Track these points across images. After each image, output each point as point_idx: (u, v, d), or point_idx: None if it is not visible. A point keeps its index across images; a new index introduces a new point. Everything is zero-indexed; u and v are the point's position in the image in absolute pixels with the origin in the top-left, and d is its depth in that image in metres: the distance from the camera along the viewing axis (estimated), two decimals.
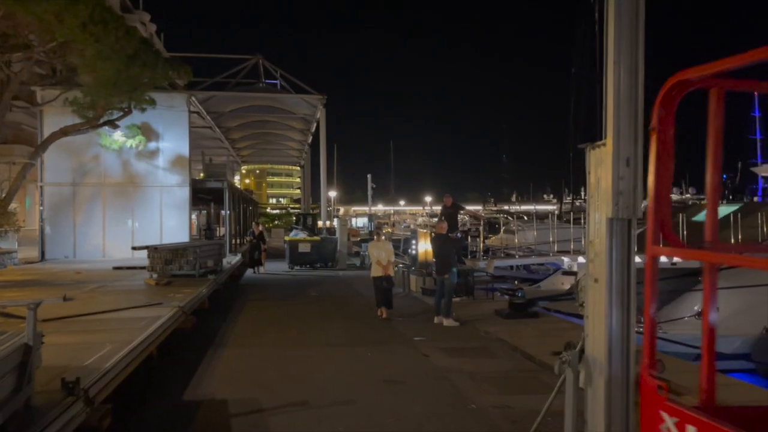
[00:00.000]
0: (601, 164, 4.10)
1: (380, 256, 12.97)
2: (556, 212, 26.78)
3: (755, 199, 41.95)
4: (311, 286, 18.95)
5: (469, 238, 18.76)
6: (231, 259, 21.30)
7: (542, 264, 21.15)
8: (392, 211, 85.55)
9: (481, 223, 21.32)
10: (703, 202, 32.32)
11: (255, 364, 8.65)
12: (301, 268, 24.69)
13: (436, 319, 12.06)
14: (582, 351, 4.20)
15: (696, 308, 16.00)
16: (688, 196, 71.85)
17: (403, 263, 19.87)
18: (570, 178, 40.07)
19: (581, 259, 17.65)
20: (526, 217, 49.05)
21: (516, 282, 19.59)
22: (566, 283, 19.13)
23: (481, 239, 18.59)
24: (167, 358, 8.60)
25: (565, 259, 17.46)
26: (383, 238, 14.42)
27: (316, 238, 25.96)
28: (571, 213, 24.24)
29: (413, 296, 16.08)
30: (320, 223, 30.72)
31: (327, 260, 25.34)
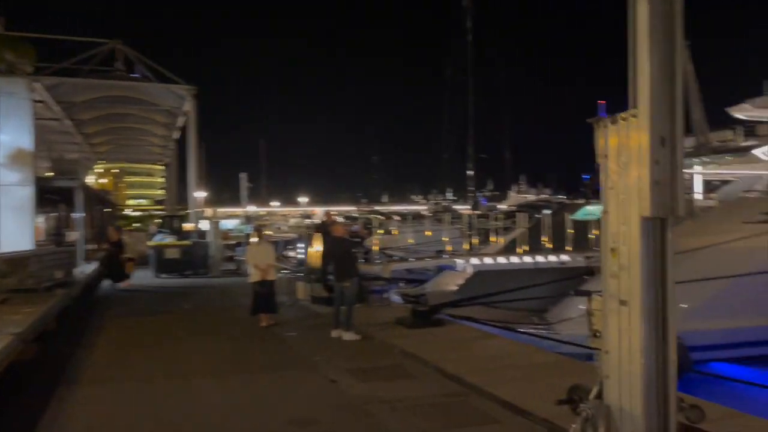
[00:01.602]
0: (628, 145, 3.04)
1: (258, 259, 12.02)
2: (448, 214, 26.48)
3: None
4: (183, 297, 16.84)
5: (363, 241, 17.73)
6: (85, 269, 18.59)
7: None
8: (265, 213, 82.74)
9: (374, 224, 20.37)
10: (578, 201, 33.78)
11: (121, 408, 6.83)
12: (170, 276, 22.28)
13: (333, 333, 10.73)
14: (599, 398, 3.12)
15: (582, 307, 16.10)
16: (545, 196, 76.27)
17: (287, 268, 18.39)
18: (442, 178, 40.41)
19: (474, 261, 17.19)
20: (398, 217, 49.19)
21: (401, 284, 18.84)
22: (451, 284, 18.66)
23: (374, 242, 17.60)
24: None
25: (459, 261, 16.88)
26: (263, 240, 13.39)
27: (187, 242, 23.68)
28: (474, 214, 24.01)
29: (302, 305, 14.63)
30: (188, 226, 28.24)
31: (199, 267, 23.15)
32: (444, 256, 17.97)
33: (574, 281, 16.24)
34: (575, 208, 24.37)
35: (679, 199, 2.97)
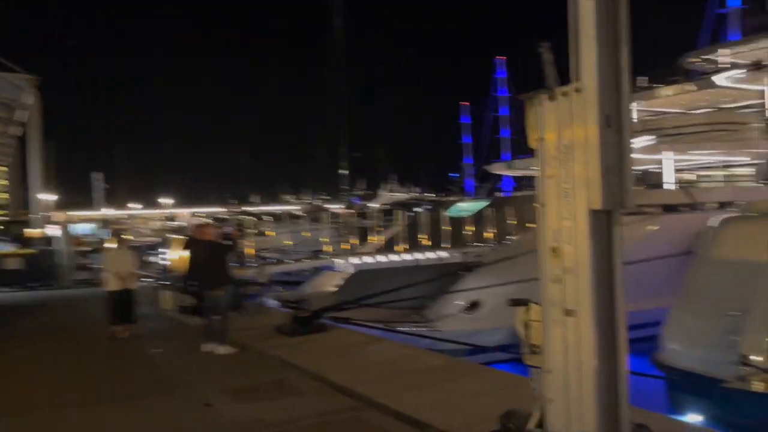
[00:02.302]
0: (571, 124, 2.57)
1: (117, 266, 11.24)
2: (326, 213, 25.78)
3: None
4: (28, 314, 14.85)
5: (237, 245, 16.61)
6: None
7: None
8: (126, 216, 77.23)
9: (248, 225, 19.29)
10: (451, 198, 34.54)
11: None
12: (10, 289, 19.76)
13: (206, 347, 9.70)
14: (540, 426, 2.64)
15: (459, 303, 16.21)
16: (415, 194, 78.08)
17: (150, 275, 16.88)
18: (318, 178, 39.92)
19: (353, 260, 16.70)
20: (270, 218, 47.74)
21: (279, 288, 18.02)
22: (330, 285, 18.10)
23: (248, 245, 16.57)
24: None
25: (338, 261, 16.34)
26: (123, 246, 12.40)
27: (31, 250, 21.22)
28: (353, 213, 23.45)
29: (168, 316, 13.35)
30: (32, 232, 25.36)
31: (46, 277, 20.86)
32: (323, 256, 17.35)
33: (452, 277, 16.32)
34: (449, 205, 24.78)
35: (628, 188, 2.55)
